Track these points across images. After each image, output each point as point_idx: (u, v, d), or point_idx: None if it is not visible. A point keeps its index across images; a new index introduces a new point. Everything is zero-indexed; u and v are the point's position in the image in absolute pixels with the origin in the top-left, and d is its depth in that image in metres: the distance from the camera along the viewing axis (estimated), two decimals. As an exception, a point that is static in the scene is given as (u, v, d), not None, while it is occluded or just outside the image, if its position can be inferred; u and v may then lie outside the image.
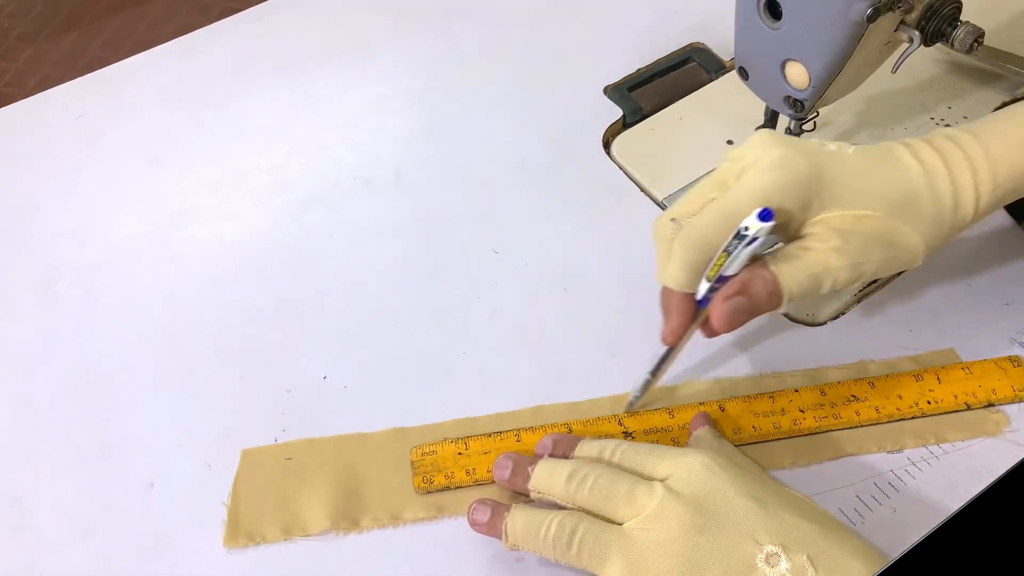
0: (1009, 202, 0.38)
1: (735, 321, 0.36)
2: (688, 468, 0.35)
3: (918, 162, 0.37)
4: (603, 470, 0.36)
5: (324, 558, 0.39)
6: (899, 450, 0.40)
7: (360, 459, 0.42)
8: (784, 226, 0.37)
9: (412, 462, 0.41)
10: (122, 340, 0.48)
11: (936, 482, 0.39)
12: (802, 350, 0.44)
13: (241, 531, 0.40)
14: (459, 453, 0.41)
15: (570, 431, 0.41)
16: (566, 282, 0.48)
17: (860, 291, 0.46)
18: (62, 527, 0.41)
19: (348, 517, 0.40)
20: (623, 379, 0.43)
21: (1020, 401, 0.41)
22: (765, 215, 0.34)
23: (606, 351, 0.45)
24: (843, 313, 0.45)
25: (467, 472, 0.40)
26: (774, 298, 0.36)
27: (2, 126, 0.60)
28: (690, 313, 0.38)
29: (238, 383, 0.45)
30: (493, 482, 0.40)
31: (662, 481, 0.35)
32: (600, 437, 0.40)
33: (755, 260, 0.36)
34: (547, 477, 0.37)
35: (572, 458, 0.39)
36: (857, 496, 0.39)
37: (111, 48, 0.67)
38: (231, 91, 0.60)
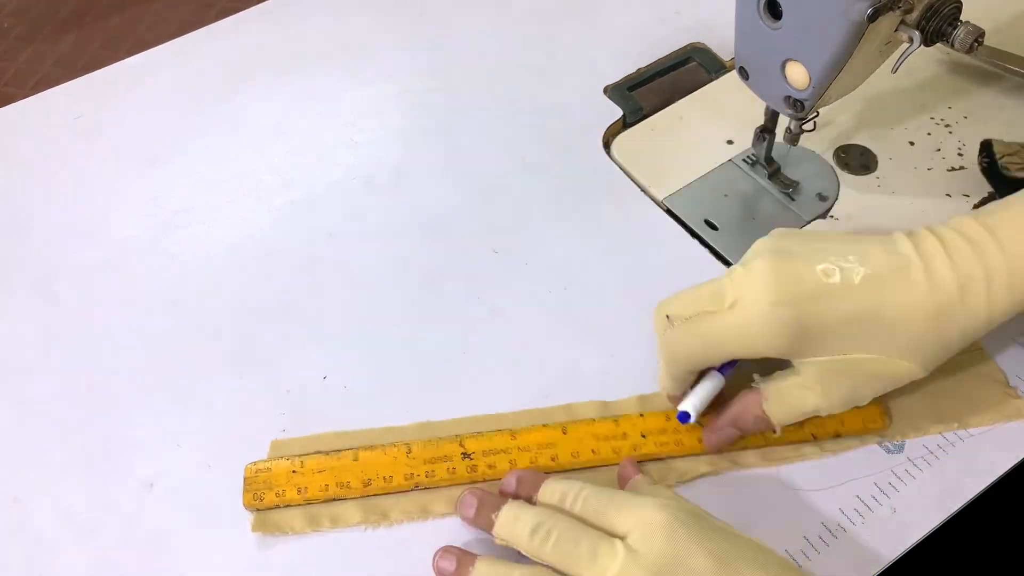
0: None
1: (726, 447, 0.40)
2: (649, 526, 0.34)
3: (931, 287, 0.35)
4: (566, 525, 0.35)
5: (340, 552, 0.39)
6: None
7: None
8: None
9: (245, 479, 0.41)
10: (122, 340, 0.48)
11: (936, 482, 0.39)
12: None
13: (269, 519, 0.40)
14: (293, 471, 0.41)
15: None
16: (566, 282, 0.48)
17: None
18: (62, 527, 0.41)
19: (378, 511, 0.40)
20: (623, 379, 0.43)
21: (866, 434, 0.40)
22: (683, 418, 0.38)
23: (606, 351, 0.45)
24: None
25: (298, 491, 0.40)
26: (765, 428, 0.39)
27: (2, 126, 0.60)
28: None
29: (238, 383, 0.45)
30: (324, 501, 0.40)
31: (623, 539, 0.34)
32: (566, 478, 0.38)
33: (748, 387, 0.39)
34: (511, 526, 0.36)
35: (536, 501, 0.37)
36: (857, 496, 0.39)
37: (111, 48, 0.67)
38: (231, 91, 0.60)
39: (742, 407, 0.39)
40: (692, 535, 0.33)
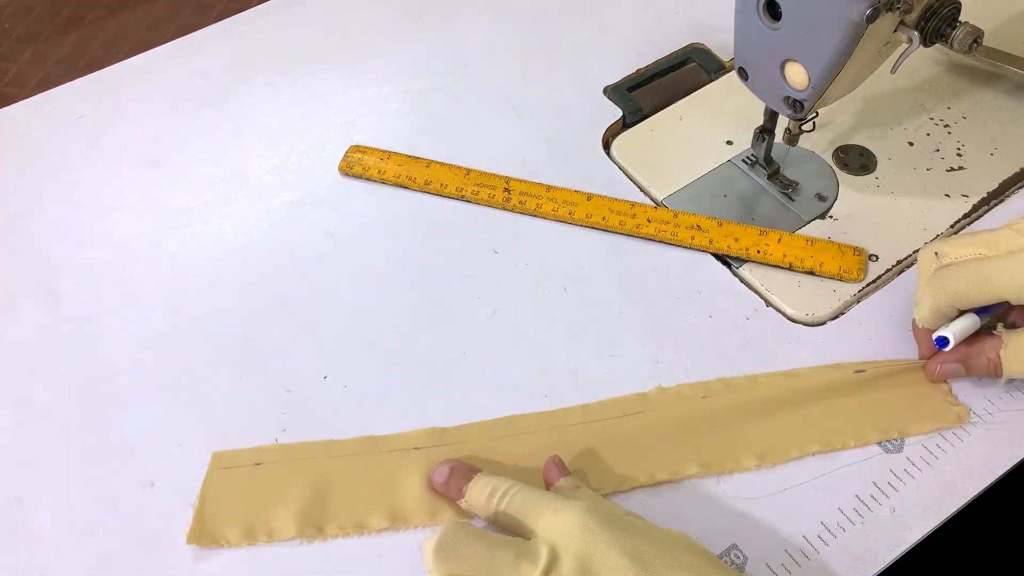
0: None
1: (947, 378, 0.42)
2: (569, 531, 0.34)
3: None
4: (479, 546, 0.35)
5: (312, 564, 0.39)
6: (863, 446, 0.40)
7: (330, 466, 0.41)
8: None
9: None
10: (122, 340, 0.48)
11: (936, 482, 0.39)
12: (802, 349, 0.44)
13: (205, 532, 0.40)
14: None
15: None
16: (566, 282, 0.48)
17: (860, 290, 0.46)
18: (62, 527, 0.41)
19: (313, 525, 0.40)
20: (623, 379, 0.43)
21: (840, 280, 0.45)
22: (940, 342, 0.39)
23: (606, 351, 0.45)
24: (843, 313, 0.45)
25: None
26: (991, 375, 0.41)
27: (2, 126, 0.60)
28: (927, 346, 0.42)
29: (238, 383, 0.45)
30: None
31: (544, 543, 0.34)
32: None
33: (989, 332, 0.40)
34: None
35: (464, 493, 0.38)
36: (856, 496, 0.39)
37: (111, 48, 0.67)
38: (231, 91, 0.60)
39: (979, 348, 0.40)
40: (611, 536, 0.33)
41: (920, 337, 0.42)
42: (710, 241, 0.48)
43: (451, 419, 0.43)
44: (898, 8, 0.37)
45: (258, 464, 0.42)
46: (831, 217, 0.49)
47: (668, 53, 0.59)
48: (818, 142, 0.52)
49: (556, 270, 0.48)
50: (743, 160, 0.52)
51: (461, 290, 0.48)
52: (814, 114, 0.44)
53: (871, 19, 0.36)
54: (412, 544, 0.39)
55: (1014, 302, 0.38)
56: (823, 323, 0.45)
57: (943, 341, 0.40)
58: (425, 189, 0.52)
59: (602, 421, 0.42)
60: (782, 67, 0.41)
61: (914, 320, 0.42)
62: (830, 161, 0.51)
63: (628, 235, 0.49)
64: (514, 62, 0.60)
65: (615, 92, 0.57)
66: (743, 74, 0.44)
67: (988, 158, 0.50)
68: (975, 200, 0.48)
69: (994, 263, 0.38)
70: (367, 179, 0.53)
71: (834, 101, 0.43)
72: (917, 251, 0.47)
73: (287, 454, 0.42)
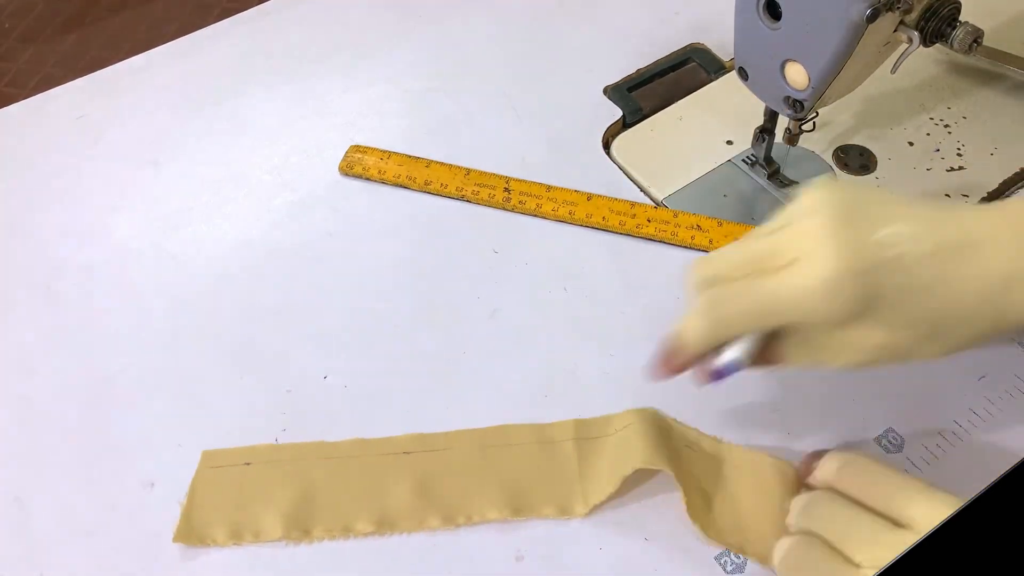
0: None
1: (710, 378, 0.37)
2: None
3: (999, 261, 0.32)
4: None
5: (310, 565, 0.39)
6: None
7: (319, 468, 0.41)
8: None
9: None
10: (122, 340, 0.48)
11: (936, 482, 0.39)
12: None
13: (193, 531, 0.40)
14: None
15: None
16: (566, 282, 0.48)
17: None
18: (62, 527, 0.41)
19: (300, 527, 0.40)
20: (623, 379, 0.43)
21: None
22: (731, 369, 0.36)
23: (606, 351, 0.45)
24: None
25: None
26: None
27: (2, 126, 0.60)
28: (685, 367, 0.37)
29: (238, 383, 0.45)
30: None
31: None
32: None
33: None
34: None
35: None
36: (857, 496, 0.39)
37: (111, 48, 0.67)
38: (231, 91, 0.60)
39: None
40: None
41: (675, 357, 0.37)
42: (710, 241, 0.47)
43: (451, 418, 0.43)
44: (898, 8, 0.37)
45: (247, 464, 0.42)
46: (831, 217, 0.48)
47: (668, 53, 0.59)
48: (818, 142, 0.52)
49: (556, 270, 0.48)
50: (743, 160, 0.52)
51: (461, 290, 0.48)
52: (814, 114, 0.44)
53: (871, 19, 0.36)
54: (397, 549, 0.39)
55: (799, 324, 0.34)
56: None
57: (736, 366, 0.35)
58: (425, 189, 0.52)
59: (595, 439, 0.41)
60: (782, 67, 0.41)
61: (674, 336, 0.37)
62: (830, 161, 0.51)
63: (628, 235, 0.49)
64: (514, 62, 0.60)
65: (615, 92, 0.57)
66: (743, 74, 0.44)
67: (988, 158, 0.50)
68: (975, 200, 0.48)
69: (767, 296, 0.34)
70: (367, 179, 0.53)
71: (834, 101, 0.43)
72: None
73: (277, 455, 0.42)
